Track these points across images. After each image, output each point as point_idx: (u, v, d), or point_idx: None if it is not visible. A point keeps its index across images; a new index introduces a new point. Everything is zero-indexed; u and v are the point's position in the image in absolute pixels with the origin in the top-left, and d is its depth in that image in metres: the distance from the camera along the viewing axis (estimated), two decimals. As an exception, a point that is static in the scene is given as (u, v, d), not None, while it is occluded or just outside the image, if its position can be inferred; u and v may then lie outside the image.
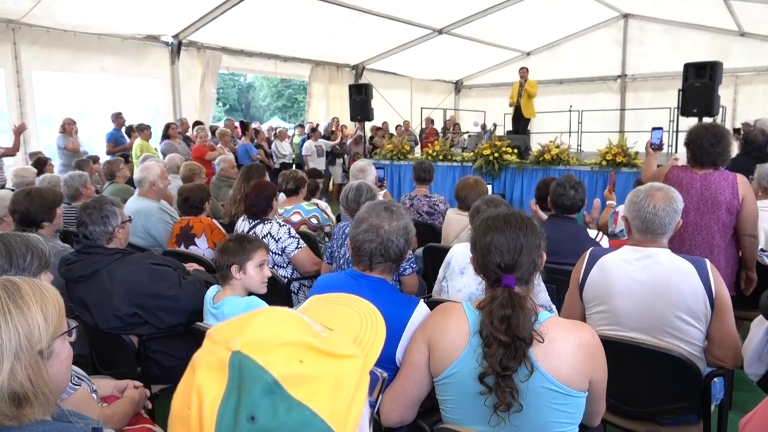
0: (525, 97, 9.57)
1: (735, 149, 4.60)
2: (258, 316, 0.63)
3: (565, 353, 1.44)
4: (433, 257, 3.58)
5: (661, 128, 4.18)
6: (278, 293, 3.03)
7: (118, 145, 8.45)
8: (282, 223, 3.35)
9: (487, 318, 1.46)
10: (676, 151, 8.17)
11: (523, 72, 9.73)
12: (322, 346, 0.61)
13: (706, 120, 7.24)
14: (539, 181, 4.03)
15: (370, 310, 0.79)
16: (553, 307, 2.55)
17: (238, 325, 0.62)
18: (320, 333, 0.64)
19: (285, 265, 3.32)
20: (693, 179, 3.06)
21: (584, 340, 1.48)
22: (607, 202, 4.25)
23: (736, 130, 8.99)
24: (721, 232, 3.00)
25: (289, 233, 3.30)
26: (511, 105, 9.91)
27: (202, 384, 0.57)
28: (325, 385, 0.60)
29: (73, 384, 1.68)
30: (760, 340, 2.07)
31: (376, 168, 5.04)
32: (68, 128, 7.69)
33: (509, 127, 11.82)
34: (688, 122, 7.31)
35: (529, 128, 10.14)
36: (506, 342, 1.40)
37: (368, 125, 11.13)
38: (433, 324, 1.61)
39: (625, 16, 13.65)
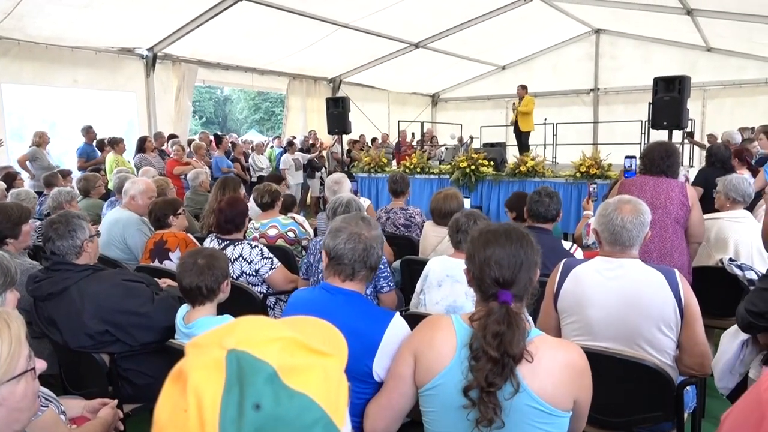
0: (520, 113, 10.02)
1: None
2: (241, 320, 0.66)
3: (552, 372, 1.43)
4: (411, 270, 3.57)
5: (633, 156, 4.40)
6: (254, 309, 2.99)
7: (90, 160, 8.30)
8: (254, 244, 3.28)
9: (480, 331, 1.44)
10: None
11: (519, 90, 10.21)
12: (308, 342, 0.64)
13: (676, 133, 7.42)
14: (511, 195, 4.11)
15: (331, 328, 0.79)
16: (530, 318, 2.56)
17: (225, 329, 0.63)
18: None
19: (259, 283, 3.28)
20: (646, 180, 3.28)
21: (572, 360, 1.47)
22: (584, 212, 4.31)
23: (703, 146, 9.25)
24: (673, 226, 3.16)
25: (262, 254, 3.23)
26: (511, 123, 10.51)
27: (199, 384, 0.57)
28: (317, 376, 0.62)
29: (40, 406, 1.63)
30: (734, 354, 2.10)
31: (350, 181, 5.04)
32: (43, 139, 7.55)
33: (486, 139, 11.99)
34: (659, 135, 7.50)
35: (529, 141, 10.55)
36: (495, 357, 1.39)
37: (345, 138, 11.15)
38: (421, 335, 1.60)
39: (597, 31, 13.99)
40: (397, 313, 1.85)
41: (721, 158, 5.17)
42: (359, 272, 1.86)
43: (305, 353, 0.64)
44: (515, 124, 10.19)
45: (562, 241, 3.23)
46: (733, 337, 2.18)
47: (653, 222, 3.14)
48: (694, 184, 5.26)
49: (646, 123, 8.53)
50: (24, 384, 1.20)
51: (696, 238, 3.23)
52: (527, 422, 1.43)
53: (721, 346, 2.26)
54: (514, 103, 10.27)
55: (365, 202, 4.93)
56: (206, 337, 0.63)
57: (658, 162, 3.28)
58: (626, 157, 4.31)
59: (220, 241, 3.30)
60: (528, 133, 10.23)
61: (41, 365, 1.28)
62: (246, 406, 0.56)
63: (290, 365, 0.61)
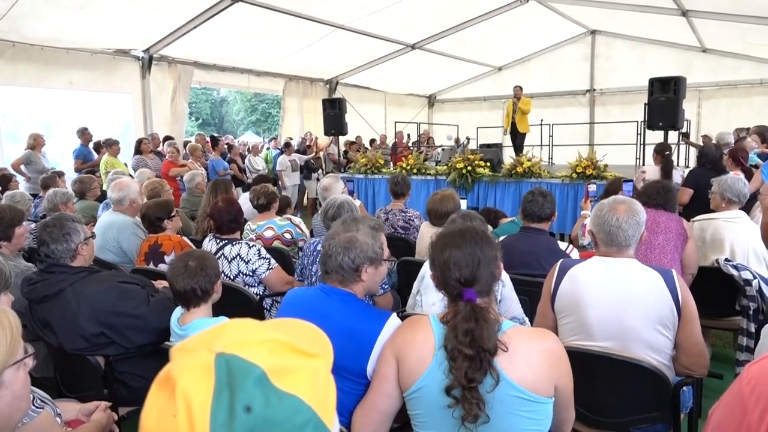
0: (519, 113, 9.98)
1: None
2: (228, 323, 0.66)
3: (530, 360, 1.46)
4: (408, 271, 3.57)
5: (631, 180, 4.48)
6: (250, 311, 2.98)
7: (87, 162, 8.29)
8: (251, 244, 3.27)
9: (451, 332, 1.48)
10: (643, 164, 8.36)
11: (517, 90, 10.18)
12: (296, 344, 0.64)
13: (672, 133, 7.45)
14: (481, 210, 4.15)
15: (316, 330, 0.80)
16: (526, 319, 2.56)
17: (212, 333, 0.63)
18: None
19: (256, 284, 3.27)
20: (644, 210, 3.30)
21: (548, 347, 1.51)
22: (582, 212, 4.31)
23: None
24: (672, 254, 3.20)
25: (259, 254, 3.22)
26: (505, 132, 10.42)
27: (188, 388, 0.57)
28: (307, 377, 0.62)
29: (36, 407, 1.62)
30: None
31: (346, 181, 5.00)
32: (38, 142, 7.53)
33: (483, 140, 11.99)
34: (655, 135, 7.52)
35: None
36: (471, 355, 1.42)
37: (342, 139, 11.14)
38: (402, 337, 1.62)
39: (593, 32, 14.03)
40: (394, 314, 1.84)
41: (712, 159, 5.19)
42: (342, 272, 1.85)
43: (294, 355, 0.63)
44: (513, 125, 10.17)
45: (559, 242, 3.23)
46: None
47: (654, 245, 3.17)
48: (684, 184, 5.29)
49: (642, 124, 8.54)
50: (23, 372, 1.23)
51: (689, 269, 3.31)
52: (512, 412, 1.45)
53: (762, 338, 2.28)
54: (513, 102, 10.17)
55: (355, 203, 4.93)
56: (193, 340, 0.63)
57: (655, 196, 3.41)
58: (624, 181, 4.35)
59: (218, 241, 3.30)
60: (524, 135, 10.23)
61: (30, 348, 1.31)
62: (237, 408, 0.56)
63: (279, 367, 0.61)
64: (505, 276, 2.44)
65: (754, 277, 3.15)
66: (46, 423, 1.64)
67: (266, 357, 0.60)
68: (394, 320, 1.81)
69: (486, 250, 1.57)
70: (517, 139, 10.22)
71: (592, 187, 4.64)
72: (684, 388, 2.10)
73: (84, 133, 8.41)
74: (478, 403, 1.40)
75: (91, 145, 8.53)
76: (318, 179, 11.34)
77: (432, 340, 1.53)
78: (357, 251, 1.84)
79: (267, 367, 0.59)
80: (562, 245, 3.18)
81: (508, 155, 9.70)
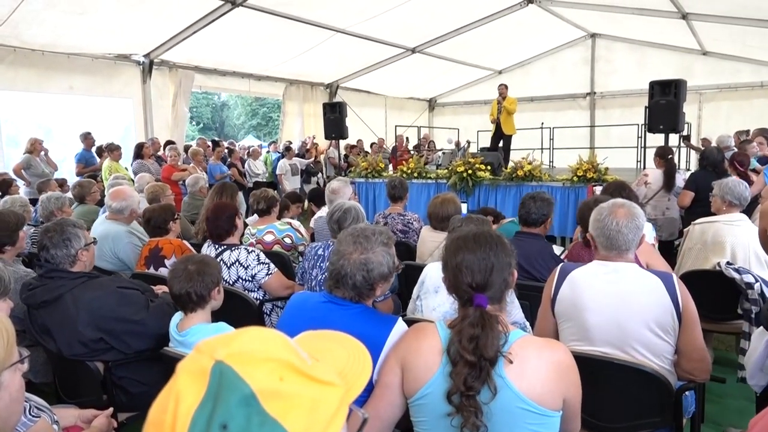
0: (504, 113, 9.51)
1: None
2: (247, 331, 0.64)
3: (539, 372, 1.44)
4: (408, 276, 3.56)
5: None
6: (250, 316, 2.97)
7: (89, 166, 8.30)
8: (250, 249, 3.25)
9: (456, 336, 1.45)
10: (644, 167, 8.35)
11: (502, 89, 9.66)
12: (305, 369, 0.62)
13: (673, 136, 7.43)
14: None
15: (360, 349, 0.80)
16: (527, 324, 2.55)
17: (227, 338, 0.63)
18: (305, 359, 0.65)
19: (256, 289, 3.26)
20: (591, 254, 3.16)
21: (558, 359, 1.48)
22: None
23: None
24: None
25: (259, 259, 3.20)
26: (492, 122, 9.83)
27: (181, 389, 0.57)
28: (301, 406, 0.59)
29: (32, 416, 1.61)
30: (762, 353, 2.10)
31: None
32: (35, 147, 7.55)
33: (483, 144, 11.94)
34: (656, 138, 7.51)
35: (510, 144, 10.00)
36: (472, 362, 1.40)
37: (343, 143, 11.15)
38: (407, 344, 1.60)
39: (593, 35, 14.06)
40: (400, 319, 1.83)
41: (713, 162, 5.19)
42: (336, 290, 1.85)
43: (297, 379, 0.61)
44: (497, 126, 9.68)
45: (554, 246, 3.22)
46: (760, 336, 2.18)
47: None
48: (685, 187, 5.29)
49: (643, 127, 8.54)
50: (19, 375, 1.23)
51: None
52: (518, 424, 1.42)
53: (751, 345, 2.26)
54: (498, 101, 9.63)
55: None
56: (210, 342, 0.62)
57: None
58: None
59: (217, 246, 3.28)
60: (510, 138, 9.75)
61: (25, 352, 1.31)
62: (214, 423, 0.55)
63: (274, 390, 0.58)
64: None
65: (756, 281, 3.14)
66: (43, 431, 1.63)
67: (264, 377, 0.58)
68: (401, 325, 1.79)
69: (500, 255, 1.54)
70: (503, 141, 9.70)
71: (598, 189, 4.60)
72: (686, 392, 2.09)
73: (87, 138, 8.44)
74: (476, 411, 1.38)
75: (93, 150, 8.54)
76: (318, 183, 11.35)
77: (439, 347, 1.51)
78: (373, 272, 1.83)
79: (259, 388, 0.57)
80: (557, 250, 3.17)
81: (510, 159, 9.63)
